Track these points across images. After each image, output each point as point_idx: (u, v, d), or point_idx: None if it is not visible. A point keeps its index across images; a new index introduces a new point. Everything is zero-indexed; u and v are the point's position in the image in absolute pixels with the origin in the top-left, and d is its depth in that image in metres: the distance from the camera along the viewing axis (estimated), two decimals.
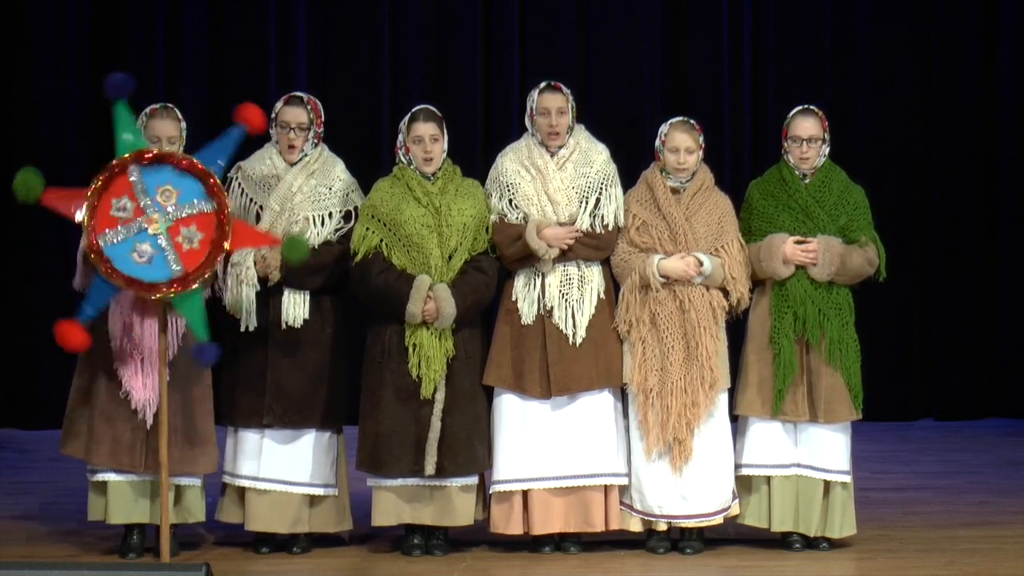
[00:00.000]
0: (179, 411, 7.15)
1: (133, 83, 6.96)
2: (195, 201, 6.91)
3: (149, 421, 7.16)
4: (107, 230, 6.87)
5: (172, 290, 6.87)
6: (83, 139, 10.99)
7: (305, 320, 7.32)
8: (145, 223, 6.90)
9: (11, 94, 11.04)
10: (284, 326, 7.31)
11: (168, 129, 7.20)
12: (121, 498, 7.23)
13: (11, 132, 11.06)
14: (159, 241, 6.89)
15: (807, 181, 7.44)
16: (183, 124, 7.29)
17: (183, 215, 6.90)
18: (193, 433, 7.22)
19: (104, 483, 7.24)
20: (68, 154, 10.97)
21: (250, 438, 7.36)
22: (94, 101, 11.01)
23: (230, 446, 7.41)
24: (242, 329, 7.31)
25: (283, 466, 7.33)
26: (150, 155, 6.91)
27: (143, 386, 7.14)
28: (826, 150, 7.49)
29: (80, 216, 6.88)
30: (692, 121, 7.44)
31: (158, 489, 7.19)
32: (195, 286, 6.90)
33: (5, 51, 11.05)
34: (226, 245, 6.93)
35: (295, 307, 7.31)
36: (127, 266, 6.88)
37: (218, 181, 6.95)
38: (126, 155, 6.91)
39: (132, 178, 6.90)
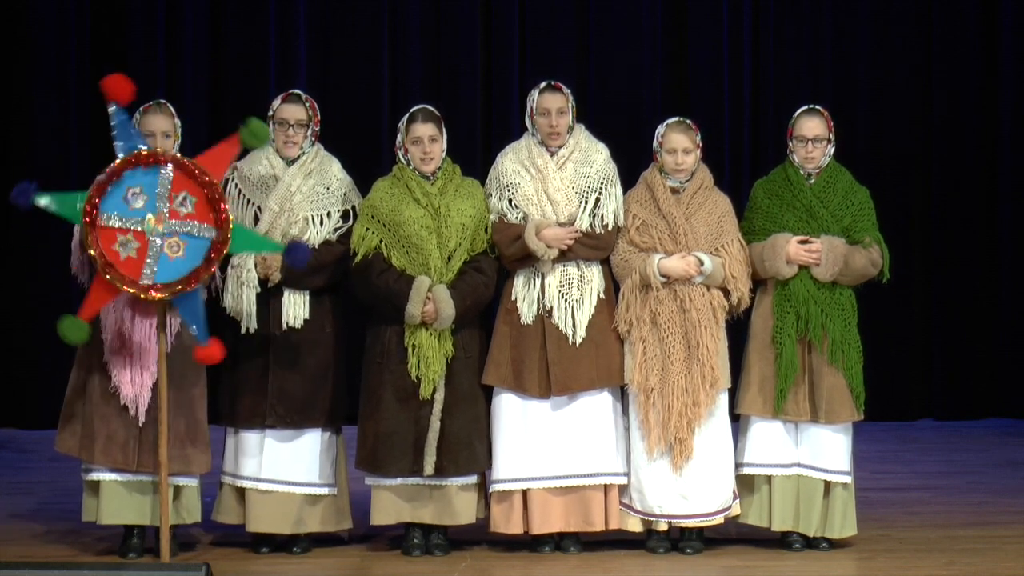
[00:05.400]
0: (173, 410, 7.14)
1: (34, 188, 6.91)
2: (155, 269, 6.89)
3: (141, 419, 7.16)
4: (141, 271, 6.87)
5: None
6: (83, 139, 10.99)
7: (305, 320, 7.33)
8: (159, 216, 6.90)
9: (11, 94, 11.04)
10: (284, 327, 7.31)
11: (162, 124, 7.21)
12: (113, 498, 7.22)
13: (11, 132, 11.06)
14: (137, 218, 6.88)
15: (812, 181, 7.44)
16: (177, 120, 7.30)
17: (165, 195, 6.87)
18: (187, 432, 7.22)
19: (97, 483, 7.24)
20: (68, 154, 10.98)
21: (251, 439, 7.36)
22: (94, 101, 11.01)
23: (231, 447, 7.41)
24: (243, 331, 7.31)
25: (285, 466, 7.33)
26: (89, 203, 6.84)
27: (132, 382, 7.15)
28: (831, 150, 7.49)
29: (121, 288, 6.89)
30: (688, 121, 7.43)
31: (151, 489, 7.20)
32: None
33: (5, 51, 11.05)
34: (211, 179, 6.88)
35: (295, 307, 7.32)
36: (178, 268, 6.89)
37: (154, 150, 6.92)
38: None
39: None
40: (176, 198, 6.91)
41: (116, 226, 6.87)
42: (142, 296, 6.90)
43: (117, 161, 6.91)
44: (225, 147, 7.03)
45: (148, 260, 6.89)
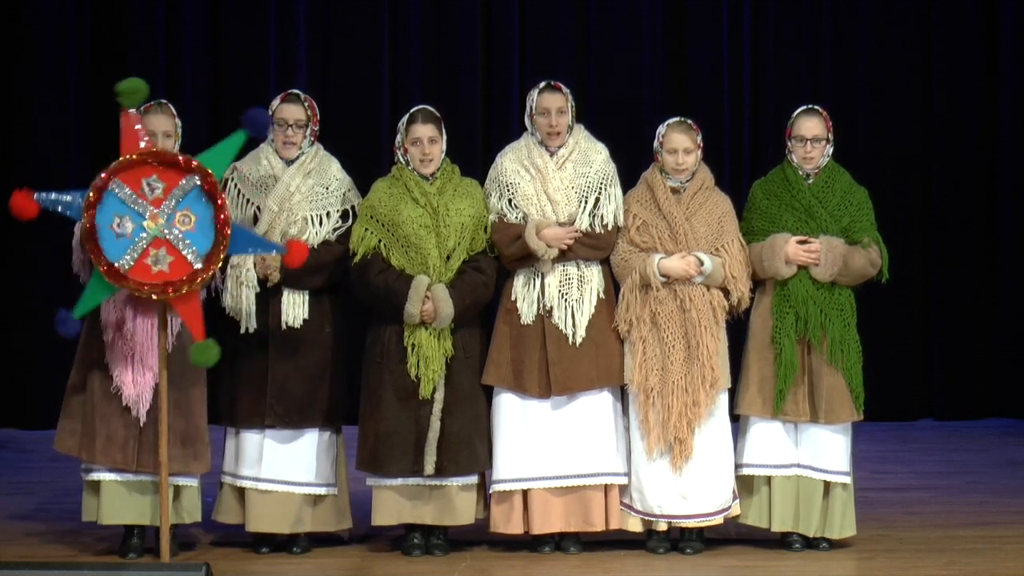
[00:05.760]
0: (173, 410, 7.14)
1: (269, 120, 7.09)
2: (194, 248, 6.91)
3: (142, 419, 7.16)
4: (125, 185, 6.87)
5: (102, 268, 6.86)
6: (83, 139, 10.99)
7: (305, 320, 7.33)
8: (150, 216, 6.90)
9: (11, 94, 11.04)
10: (284, 326, 7.31)
11: (163, 124, 7.22)
12: (114, 498, 7.22)
13: (11, 132, 11.06)
14: (140, 234, 6.89)
15: (811, 181, 7.44)
16: (178, 121, 7.32)
17: (173, 241, 6.90)
18: (187, 432, 7.22)
19: (97, 483, 7.25)
20: (68, 154, 10.98)
21: (251, 439, 7.36)
22: (94, 101, 11.02)
23: (231, 447, 7.42)
24: (242, 331, 7.31)
25: (284, 466, 7.33)
26: (212, 183, 6.89)
27: (134, 382, 7.15)
28: (830, 150, 7.49)
29: (143, 142, 6.91)
30: (689, 121, 7.43)
31: (151, 489, 7.20)
32: (111, 284, 6.87)
33: (5, 51, 11.05)
34: (165, 296, 6.89)
35: (294, 307, 7.32)
36: (103, 220, 6.88)
37: (222, 261, 6.96)
38: (202, 165, 6.92)
39: (184, 183, 6.90)
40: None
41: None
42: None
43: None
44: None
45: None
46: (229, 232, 6.93)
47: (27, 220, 6.95)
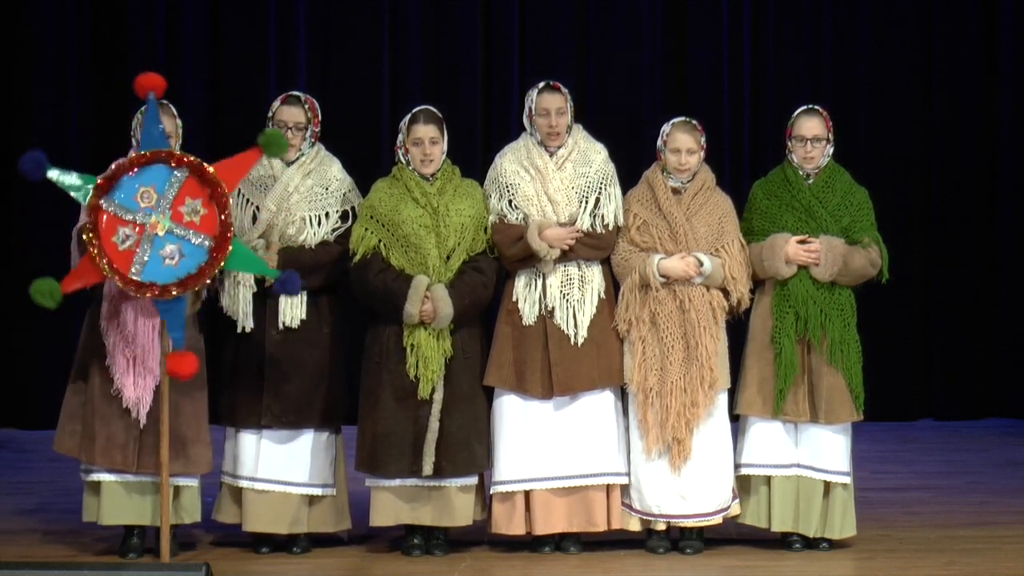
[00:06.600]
0: (173, 411, 7.13)
1: (45, 159, 6.96)
2: (170, 181, 6.89)
3: (142, 420, 7.16)
4: (130, 265, 6.88)
5: (219, 261, 6.89)
6: (83, 139, 10.99)
7: (302, 320, 7.32)
8: (151, 230, 6.90)
9: (11, 94, 11.04)
10: (281, 326, 7.31)
11: (164, 125, 7.20)
12: (114, 499, 7.22)
13: (11, 132, 11.06)
14: (174, 234, 6.89)
15: (811, 181, 7.44)
16: (179, 121, 7.31)
17: (171, 197, 6.89)
18: (187, 433, 7.22)
19: (98, 483, 7.25)
20: (68, 155, 10.97)
21: (249, 439, 7.36)
22: (94, 102, 11.02)
23: (229, 447, 7.42)
24: (239, 330, 7.31)
25: (282, 466, 7.33)
26: (103, 182, 6.89)
27: (134, 384, 7.14)
28: (830, 150, 7.49)
29: (108, 276, 6.89)
30: (695, 122, 7.43)
31: (151, 489, 7.20)
32: (232, 243, 6.90)
33: (5, 51, 11.05)
34: (223, 190, 6.90)
35: (292, 307, 7.31)
36: (168, 274, 6.88)
37: (172, 150, 6.94)
38: (88, 199, 6.90)
39: (109, 209, 6.89)
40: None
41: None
42: (124, 287, 6.89)
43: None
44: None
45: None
46: (148, 155, 6.88)
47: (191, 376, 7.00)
